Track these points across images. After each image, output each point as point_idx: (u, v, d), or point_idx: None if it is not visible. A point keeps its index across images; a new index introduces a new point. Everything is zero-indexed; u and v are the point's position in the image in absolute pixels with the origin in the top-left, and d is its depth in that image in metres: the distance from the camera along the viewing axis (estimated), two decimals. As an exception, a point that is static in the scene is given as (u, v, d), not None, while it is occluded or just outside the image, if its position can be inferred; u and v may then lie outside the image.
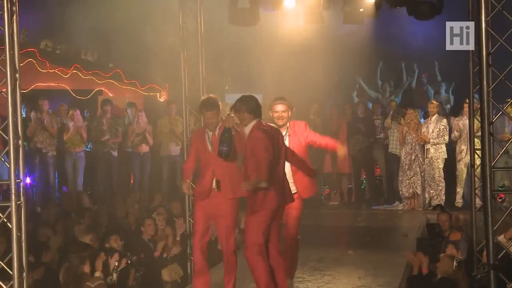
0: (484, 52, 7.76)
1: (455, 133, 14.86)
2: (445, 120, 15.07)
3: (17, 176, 7.16)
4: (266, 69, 17.08)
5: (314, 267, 10.13)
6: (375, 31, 17.27)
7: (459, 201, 15.08)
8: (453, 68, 18.65)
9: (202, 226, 8.37)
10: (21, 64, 7.28)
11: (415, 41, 19.14)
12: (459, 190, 15.09)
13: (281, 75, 17.20)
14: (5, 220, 7.16)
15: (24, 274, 7.16)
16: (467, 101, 13.97)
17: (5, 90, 7.14)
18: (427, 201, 15.21)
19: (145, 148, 15.95)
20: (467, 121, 14.36)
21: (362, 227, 14.16)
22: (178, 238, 11.07)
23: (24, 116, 14.37)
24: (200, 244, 8.34)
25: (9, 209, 7.09)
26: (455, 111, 16.49)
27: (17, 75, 7.17)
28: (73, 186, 15.57)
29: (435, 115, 15.14)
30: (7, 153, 7.15)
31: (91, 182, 16.09)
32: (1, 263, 7.17)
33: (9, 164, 7.12)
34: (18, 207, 7.13)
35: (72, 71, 17.62)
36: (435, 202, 15.02)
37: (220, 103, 8.40)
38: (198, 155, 8.48)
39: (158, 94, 18.56)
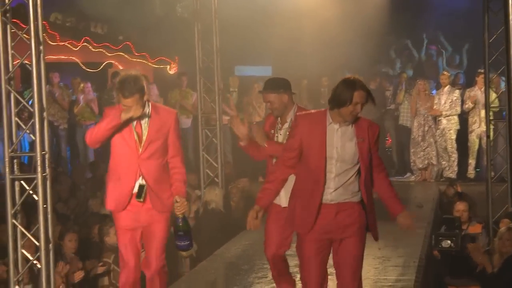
0: None
1: (468, 104, 14.77)
2: (457, 91, 14.94)
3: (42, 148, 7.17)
4: (276, 42, 16.99)
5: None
6: (386, 3, 17.23)
7: (471, 172, 15.05)
8: (460, 35, 18.67)
9: (134, 250, 6.39)
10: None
11: (424, 11, 19.12)
12: (471, 161, 15.03)
13: (290, 47, 17.11)
14: (31, 192, 7.18)
15: (51, 245, 7.19)
16: (480, 71, 13.99)
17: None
18: (439, 172, 15.18)
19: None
20: (479, 92, 14.36)
21: (376, 198, 14.07)
22: (192, 215, 11.06)
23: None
24: (135, 275, 6.41)
25: (35, 181, 7.11)
26: (467, 82, 16.43)
27: (41, 47, 7.18)
28: (84, 159, 15.57)
29: (447, 86, 15.00)
30: (32, 125, 7.15)
31: (103, 155, 16.07)
32: (28, 234, 7.20)
33: (35, 136, 7.12)
34: (44, 179, 7.14)
35: (82, 44, 17.59)
36: (447, 173, 14.98)
37: (144, 84, 6.16)
38: (115, 148, 6.32)
39: (168, 66, 18.51)
